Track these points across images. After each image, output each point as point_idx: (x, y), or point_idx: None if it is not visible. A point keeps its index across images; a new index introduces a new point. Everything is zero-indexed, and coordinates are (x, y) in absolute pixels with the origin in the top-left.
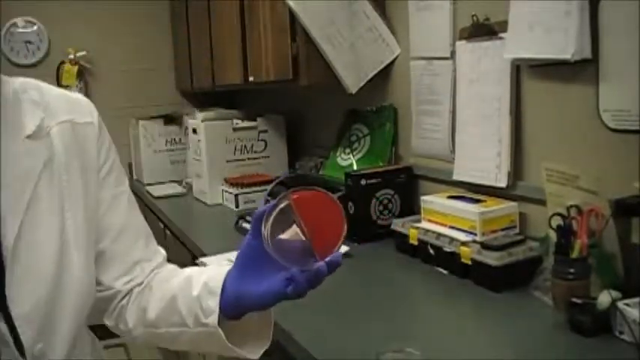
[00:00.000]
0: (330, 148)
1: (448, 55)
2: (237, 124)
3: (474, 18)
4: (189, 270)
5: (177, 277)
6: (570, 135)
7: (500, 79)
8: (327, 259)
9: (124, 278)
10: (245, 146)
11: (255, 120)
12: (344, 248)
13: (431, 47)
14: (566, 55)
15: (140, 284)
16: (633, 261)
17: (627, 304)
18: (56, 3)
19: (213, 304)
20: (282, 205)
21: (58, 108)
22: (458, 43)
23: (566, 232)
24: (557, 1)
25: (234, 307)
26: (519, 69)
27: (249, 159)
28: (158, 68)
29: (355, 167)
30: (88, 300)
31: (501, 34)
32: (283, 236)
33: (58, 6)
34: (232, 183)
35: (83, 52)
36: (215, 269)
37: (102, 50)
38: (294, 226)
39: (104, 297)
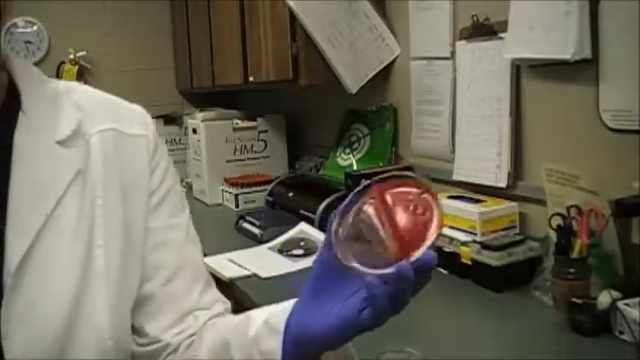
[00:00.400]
0: (330, 148)
1: (448, 55)
2: (237, 124)
3: (474, 18)
4: (252, 311)
5: (233, 319)
6: (570, 135)
7: (500, 79)
8: (413, 258)
9: (175, 329)
10: (245, 146)
11: (255, 120)
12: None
13: (431, 47)
14: (566, 55)
15: (192, 335)
16: (633, 261)
17: (627, 304)
18: (56, 3)
19: (275, 344)
20: (360, 204)
21: (102, 113)
22: (458, 43)
23: (566, 232)
24: (557, 1)
25: (297, 347)
26: (519, 69)
27: (249, 159)
28: (158, 68)
29: (355, 167)
30: (112, 358)
31: (501, 34)
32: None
33: (58, 6)
34: (232, 183)
35: (83, 52)
36: (283, 304)
37: (102, 50)
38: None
39: (149, 352)
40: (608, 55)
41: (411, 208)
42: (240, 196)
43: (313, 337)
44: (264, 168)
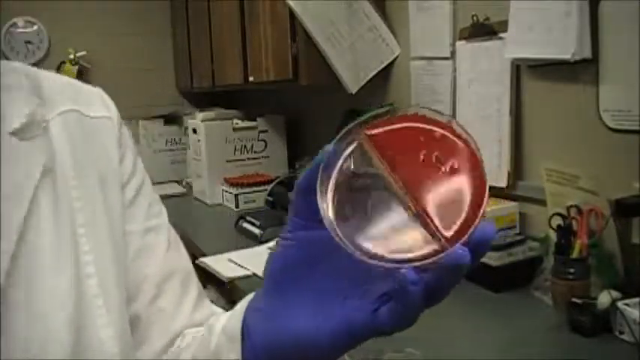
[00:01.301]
0: None
1: (448, 55)
2: (237, 124)
3: (474, 18)
4: (213, 318)
5: (201, 332)
6: (570, 135)
7: (500, 79)
8: (464, 238)
9: (165, 356)
10: (245, 146)
11: (255, 120)
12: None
13: (431, 47)
14: (566, 55)
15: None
16: (633, 261)
17: (627, 304)
18: (56, 3)
19: (234, 356)
20: (349, 150)
21: (58, 95)
22: (458, 43)
23: (566, 232)
24: (557, 1)
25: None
26: (519, 69)
27: (249, 159)
28: (158, 68)
29: None
30: None
31: (501, 34)
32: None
33: (58, 6)
34: (232, 183)
35: (83, 52)
36: (241, 302)
37: (102, 50)
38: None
39: None
40: (608, 55)
41: (434, 158)
42: (240, 196)
43: (301, 348)
44: (264, 168)
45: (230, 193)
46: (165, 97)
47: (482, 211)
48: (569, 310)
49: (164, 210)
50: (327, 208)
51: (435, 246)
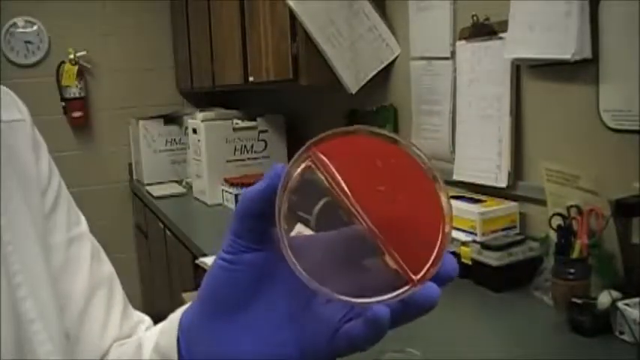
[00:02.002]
0: None
1: (448, 55)
2: (237, 124)
3: (474, 18)
4: (143, 334)
5: (131, 347)
6: (570, 135)
7: (500, 79)
8: (430, 274)
9: None
10: (245, 146)
11: (255, 120)
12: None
13: (431, 47)
14: (566, 55)
15: None
16: (633, 261)
17: (627, 304)
18: (56, 3)
19: None
20: (300, 169)
21: None
22: (458, 43)
23: (566, 233)
24: (557, 1)
25: None
26: (519, 69)
27: (249, 159)
28: (158, 68)
29: None
30: None
31: (501, 34)
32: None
33: (58, 6)
34: (232, 183)
35: (83, 52)
36: (170, 318)
37: (102, 50)
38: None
39: None
40: (608, 55)
41: (391, 186)
42: (240, 196)
43: None
44: (264, 168)
45: (230, 193)
46: (166, 97)
47: (447, 242)
48: (569, 310)
49: (81, 216)
50: (283, 238)
51: (401, 282)
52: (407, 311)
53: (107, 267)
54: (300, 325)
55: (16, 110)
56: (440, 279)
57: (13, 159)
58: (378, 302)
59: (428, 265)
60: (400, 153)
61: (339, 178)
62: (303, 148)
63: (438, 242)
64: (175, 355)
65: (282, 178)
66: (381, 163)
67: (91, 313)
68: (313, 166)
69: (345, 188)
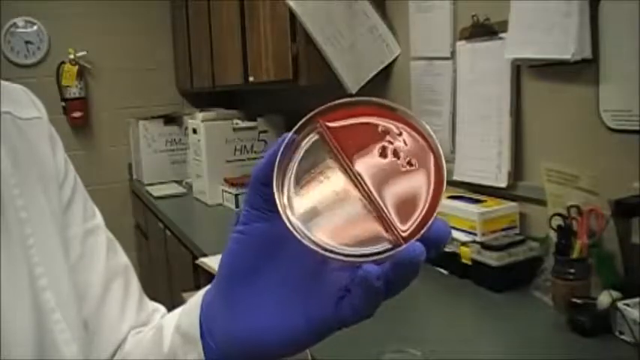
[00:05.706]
0: None
1: (448, 55)
2: (237, 124)
3: (474, 18)
4: (164, 318)
5: (150, 332)
6: (570, 135)
7: (500, 79)
8: (419, 235)
9: (117, 354)
10: (245, 146)
11: (255, 120)
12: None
13: (431, 47)
14: (566, 55)
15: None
16: (633, 261)
17: (627, 304)
18: (56, 3)
19: (195, 356)
20: (306, 141)
21: None
22: (458, 43)
23: (566, 233)
24: (557, 1)
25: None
26: (519, 69)
27: (249, 159)
28: (158, 68)
29: None
30: None
31: (501, 34)
32: (317, 203)
33: (58, 6)
34: (232, 183)
35: (83, 52)
36: (194, 299)
37: (102, 50)
38: (338, 181)
39: None
40: (608, 55)
41: (392, 153)
42: (240, 196)
43: (263, 347)
44: None
45: (230, 193)
46: (166, 97)
47: (438, 207)
48: (569, 310)
49: (96, 209)
50: (283, 200)
51: (390, 240)
52: (397, 271)
53: (122, 258)
54: (308, 296)
55: (34, 108)
56: (430, 242)
57: (33, 155)
58: (366, 259)
59: (415, 224)
60: (401, 120)
61: (344, 146)
62: (307, 117)
63: (427, 205)
64: (198, 334)
65: (288, 148)
66: (382, 131)
67: (108, 303)
68: (319, 137)
69: (347, 159)
